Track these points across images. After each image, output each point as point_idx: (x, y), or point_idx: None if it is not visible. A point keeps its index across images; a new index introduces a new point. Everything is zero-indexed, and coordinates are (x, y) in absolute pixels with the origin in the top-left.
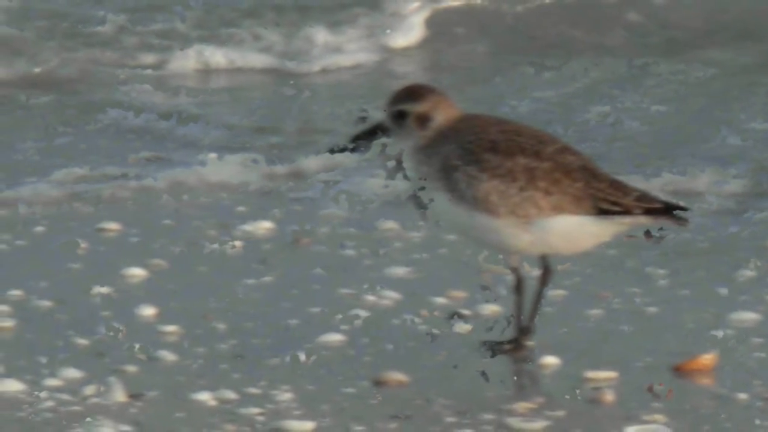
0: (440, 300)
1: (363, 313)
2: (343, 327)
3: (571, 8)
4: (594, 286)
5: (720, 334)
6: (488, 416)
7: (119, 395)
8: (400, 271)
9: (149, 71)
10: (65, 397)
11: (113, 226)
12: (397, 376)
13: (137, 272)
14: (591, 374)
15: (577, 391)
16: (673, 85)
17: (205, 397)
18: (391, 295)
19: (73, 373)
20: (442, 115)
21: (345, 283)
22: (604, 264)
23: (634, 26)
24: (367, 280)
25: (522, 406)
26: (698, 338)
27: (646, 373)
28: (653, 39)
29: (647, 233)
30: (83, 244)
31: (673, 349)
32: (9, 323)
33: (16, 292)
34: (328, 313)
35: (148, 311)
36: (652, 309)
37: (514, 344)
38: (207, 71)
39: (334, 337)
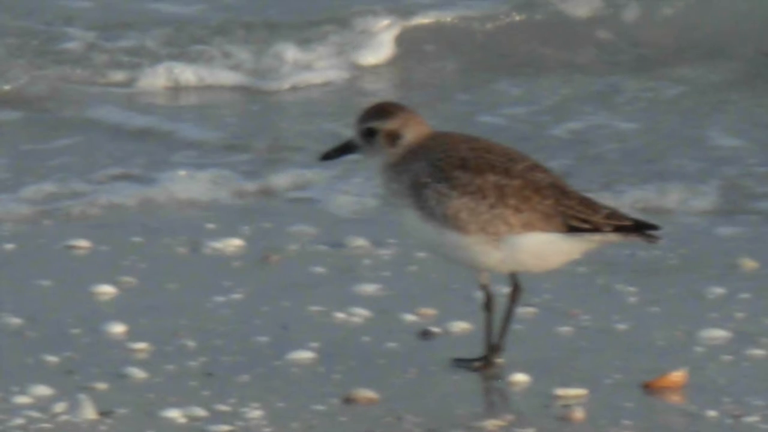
0: (410, 317)
1: (333, 331)
2: (313, 344)
3: (541, 26)
4: (564, 303)
5: (690, 351)
6: None
7: (89, 413)
8: (369, 288)
9: (119, 89)
10: (35, 414)
11: (83, 243)
12: (367, 393)
13: (107, 289)
14: (561, 392)
15: (547, 409)
16: (644, 103)
17: (174, 414)
18: (360, 313)
19: (42, 390)
20: (411, 133)
21: (315, 301)
22: (574, 281)
23: (604, 44)
24: (337, 298)
25: (492, 423)
26: (668, 356)
27: (616, 390)
28: (623, 57)
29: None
30: (53, 262)
31: (643, 367)
32: None
33: None
34: (297, 331)
35: (117, 328)
36: (622, 326)
37: (483, 362)
38: (177, 88)
39: (304, 355)
